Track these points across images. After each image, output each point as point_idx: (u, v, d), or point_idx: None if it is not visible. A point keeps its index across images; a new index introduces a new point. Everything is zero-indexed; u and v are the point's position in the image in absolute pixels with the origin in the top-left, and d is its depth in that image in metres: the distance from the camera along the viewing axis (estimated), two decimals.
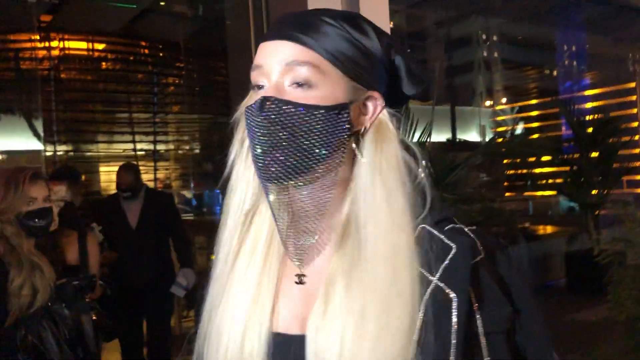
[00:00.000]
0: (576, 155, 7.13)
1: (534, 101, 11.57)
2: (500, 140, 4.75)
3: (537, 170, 7.96)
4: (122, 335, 3.65)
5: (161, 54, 8.24)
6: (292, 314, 0.89)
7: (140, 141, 7.94)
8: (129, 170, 4.08)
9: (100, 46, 7.61)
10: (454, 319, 0.79)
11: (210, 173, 8.08)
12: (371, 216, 0.84)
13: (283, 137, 0.82)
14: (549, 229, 9.37)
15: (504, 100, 11.04)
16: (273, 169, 0.83)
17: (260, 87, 0.87)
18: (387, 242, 0.82)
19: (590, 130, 7.15)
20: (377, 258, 0.81)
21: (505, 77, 10.90)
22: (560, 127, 10.03)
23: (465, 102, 11.10)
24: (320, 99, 0.84)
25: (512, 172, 6.52)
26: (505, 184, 8.74)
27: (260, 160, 0.83)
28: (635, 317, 2.76)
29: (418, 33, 10.03)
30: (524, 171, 7.09)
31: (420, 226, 0.86)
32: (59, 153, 6.87)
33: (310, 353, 0.82)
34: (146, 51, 8.11)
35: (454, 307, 0.79)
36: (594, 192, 7.01)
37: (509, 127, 6.79)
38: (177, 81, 8.56)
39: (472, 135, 10.61)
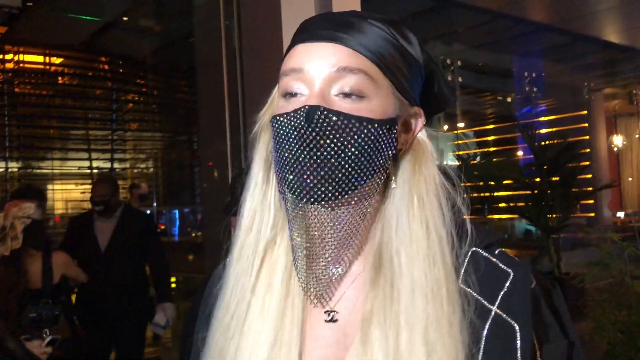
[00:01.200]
0: (537, 179, 7.26)
1: (491, 126, 11.82)
2: (474, 162, 4.76)
3: (496, 194, 8.07)
4: None
5: (121, 70, 8.04)
6: (323, 358, 0.78)
7: (97, 159, 7.71)
8: (104, 183, 3.77)
9: (58, 60, 7.37)
10: (519, 352, 0.71)
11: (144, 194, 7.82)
12: (406, 244, 0.75)
13: (331, 152, 0.72)
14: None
15: (461, 125, 11.23)
16: (315, 189, 0.72)
17: (292, 95, 0.76)
18: (424, 273, 0.74)
19: (549, 154, 7.30)
20: (415, 292, 0.73)
21: (464, 102, 11.10)
22: (515, 152, 10.26)
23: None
24: (370, 112, 0.74)
25: (475, 195, 6.57)
26: None
27: (298, 178, 0.73)
28: (615, 342, 2.75)
29: None
30: (486, 194, 7.17)
31: (472, 249, 0.78)
32: (12, 170, 6.57)
33: None
34: (106, 67, 7.91)
35: (517, 338, 0.71)
36: (554, 215, 7.14)
37: (470, 151, 6.88)
38: (136, 98, 8.36)
39: None
